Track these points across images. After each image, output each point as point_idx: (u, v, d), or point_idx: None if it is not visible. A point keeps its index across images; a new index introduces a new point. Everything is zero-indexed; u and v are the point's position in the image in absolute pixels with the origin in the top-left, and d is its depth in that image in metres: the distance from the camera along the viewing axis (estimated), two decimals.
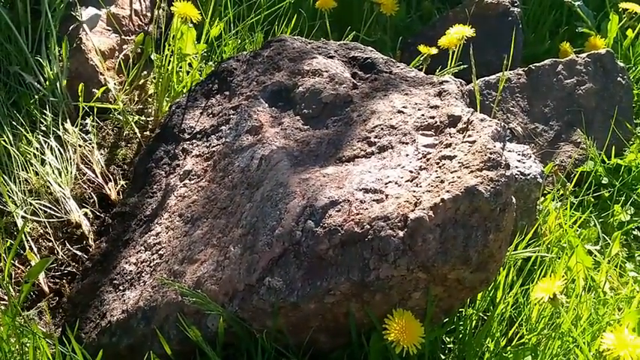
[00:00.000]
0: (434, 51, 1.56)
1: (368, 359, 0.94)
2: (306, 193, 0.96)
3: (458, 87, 1.11)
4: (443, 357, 1.06)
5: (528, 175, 1.25)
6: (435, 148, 1.00)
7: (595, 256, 1.36)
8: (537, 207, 1.28)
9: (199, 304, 0.91)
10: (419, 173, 0.95)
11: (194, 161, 1.20)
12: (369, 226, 0.89)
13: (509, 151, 1.31)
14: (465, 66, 1.51)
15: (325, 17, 1.70)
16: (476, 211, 0.88)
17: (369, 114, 1.11)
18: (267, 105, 1.20)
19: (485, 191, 0.88)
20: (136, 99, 1.67)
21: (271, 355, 0.91)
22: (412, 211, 0.89)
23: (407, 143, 1.02)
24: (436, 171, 0.94)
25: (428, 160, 0.97)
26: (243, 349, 0.93)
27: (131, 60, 1.67)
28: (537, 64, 1.63)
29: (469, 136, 0.97)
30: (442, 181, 0.91)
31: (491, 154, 0.91)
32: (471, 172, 0.90)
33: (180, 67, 1.62)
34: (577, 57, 1.67)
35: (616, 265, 1.39)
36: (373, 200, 0.93)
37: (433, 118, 1.05)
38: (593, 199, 1.50)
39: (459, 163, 0.93)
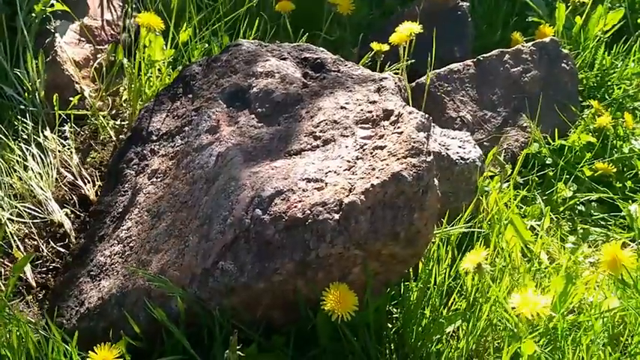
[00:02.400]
0: (385, 47, 1.67)
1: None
2: (254, 185, 1.07)
3: (395, 83, 1.22)
4: (390, 326, 1.18)
5: (468, 159, 1.36)
6: (370, 139, 1.11)
7: (538, 231, 1.48)
8: (477, 188, 1.39)
9: (163, 287, 1.03)
10: (355, 162, 1.07)
11: (160, 160, 1.31)
12: (309, 212, 1.00)
13: (452, 138, 1.42)
14: (413, 61, 1.62)
15: (286, 19, 1.80)
16: (402, 194, 1.00)
17: (316, 110, 1.22)
18: (225, 106, 1.31)
19: (408, 176, 0.99)
20: (112, 104, 1.77)
21: (229, 330, 1.03)
22: (347, 196, 1.00)
23: (347, 136, 1.13)
24: (369, 160, 1.05)
25: (364, 150, 1.09)
26: (205, 326, 1.04)
27: (104, 68, 1.77)
28: (485, 55, 1.74)
29: (398, 127, 1.08)
30: (373, 169, 1.03)
31: (414, 142, 1.02)
32: (397, 159, 1.01)
33: (151, 73, 1.73)
34: (523, 46, 1.78)
35: (559, 238, 1.51)
36: (314, 188, 1.04)
37: (371, 112, 1.16)
38: (537, 179, 1.61)
39: (388, 152, 1.04)
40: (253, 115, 1.27)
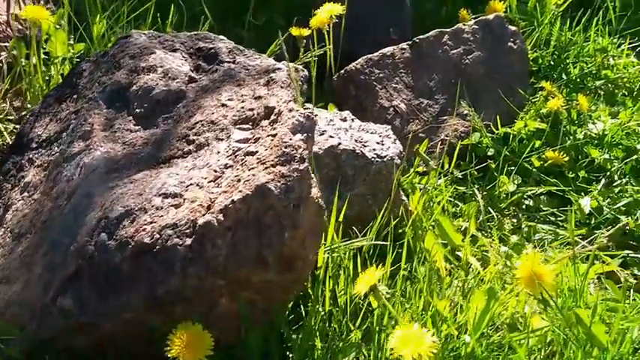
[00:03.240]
0: (306, 32, 1.50)
1: None
2: (105, 203, 0.91)
3: (288, 74, 1.06)
4: (290, 355, 1.03)
5: (385, 157, 1.20)
6: (247, 142, 0.95)
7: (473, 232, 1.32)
8: (398, 188, 1.23)
9: None
10: (223, 172, 0.91)
11: (35, 172, 1.16)
12: (158, 236, 0.84)
13: (371, 132, 1.26)
14: (323, 50, 1.45)
15: (203, 5, 1.63)
16: (270, 209, 0.84)
17: (196, 110, 1.06)
18: (105, 107, 1.15)
19: (275, 188, 0.83)
20: (20, 106, 1.62)
21: None
22: (203, 215, 0.84)
23: (222, 139, 0.97)
24: (238, 169, 0.89)
25: (236, 157, 0.93)
26: None
27: (5, 67, 1.61)
28: (421, 37, 1.57)
29: (274, 128, 0.92)
30: (239, 180, 0.87)
31: (286, 147, 0.86)
32: (266, 168, 0.85)
33: (53, 71, 1.57)
34: (464, 25, 1.61)
35: (499, 238, 1.35)
36: (171, 206, 0.88)
37: (252, 110, 1.00)
38: (476, 173, 1.45)
39: (257, 159, 0.88)
40: (131, 117, 1.11)
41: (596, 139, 1.57)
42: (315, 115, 0.94)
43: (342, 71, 1.53)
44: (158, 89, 1.12)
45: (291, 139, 0.87)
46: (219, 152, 0.95)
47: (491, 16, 1.62)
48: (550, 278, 0.89)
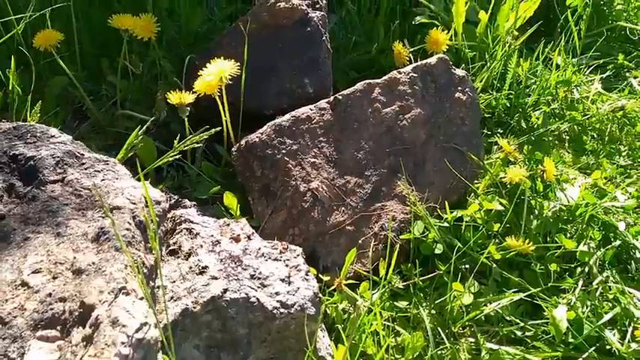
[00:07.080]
0: (189, 99, 1.12)
1: None
2: None
3: (128, 223, 0.69)
4: None
5: (293, 305, 0.85)
6: None
7: None
8: (316, 342, 0.88)
9: None
10: None
11: None
12: None
13: (274, 259, 0.90)
14: (218, 128, 1.08)
15: (55, 55, 1.22)
16: None
17: None
18: None
19: None
20: None
21: None
22: None
23: (12, 359, 0.60)
24: None
25: None
26: None
27: None
28: (346, 92, 1.21)
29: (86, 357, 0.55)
30: None
31: None
32: None
33: None
34: (399, 73, 1.25)
35: None
36: None
37: (64, 301, 0.62)
38: (421, 283, 1.11)
39: None
40: None
41: (566, 213, 1.25)
42: (155, 340, 0.57)
43: (243, 142, 1.16)
44: None
45: None
46: None
47: (433, 60, 1.27)
48: None
